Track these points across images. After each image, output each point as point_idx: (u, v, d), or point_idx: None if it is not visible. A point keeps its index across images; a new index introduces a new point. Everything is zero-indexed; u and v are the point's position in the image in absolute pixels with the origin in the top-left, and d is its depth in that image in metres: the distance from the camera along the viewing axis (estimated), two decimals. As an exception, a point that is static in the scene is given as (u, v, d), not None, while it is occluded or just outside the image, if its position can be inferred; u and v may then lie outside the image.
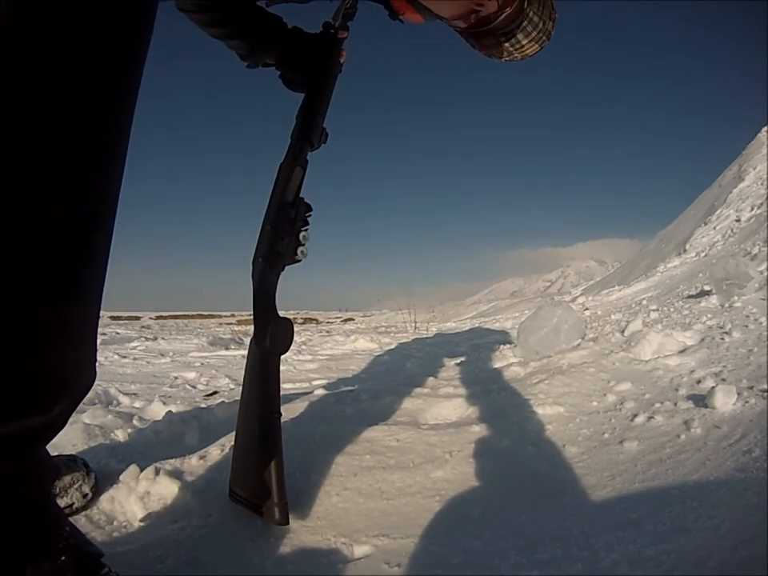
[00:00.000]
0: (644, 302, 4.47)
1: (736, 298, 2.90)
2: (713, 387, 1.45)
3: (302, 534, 1.12)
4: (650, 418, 1.47)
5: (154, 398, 2.37)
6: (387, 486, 1.30)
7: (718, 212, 9.07)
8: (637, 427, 1.45)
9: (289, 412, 1.78)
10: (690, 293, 3.99)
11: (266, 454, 1.10)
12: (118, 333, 7.89)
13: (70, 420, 0.80)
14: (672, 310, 3.22)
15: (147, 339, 5.99)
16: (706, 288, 3.61)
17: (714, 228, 8.35)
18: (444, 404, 1.90)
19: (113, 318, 27.60)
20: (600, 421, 1.57)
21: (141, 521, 1.16)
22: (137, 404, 2.45)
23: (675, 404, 1.53)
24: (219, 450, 1.43)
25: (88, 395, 0.83)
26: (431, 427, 1.63)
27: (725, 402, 1.39)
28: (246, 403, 1.18)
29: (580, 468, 1.30)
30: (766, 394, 1.41)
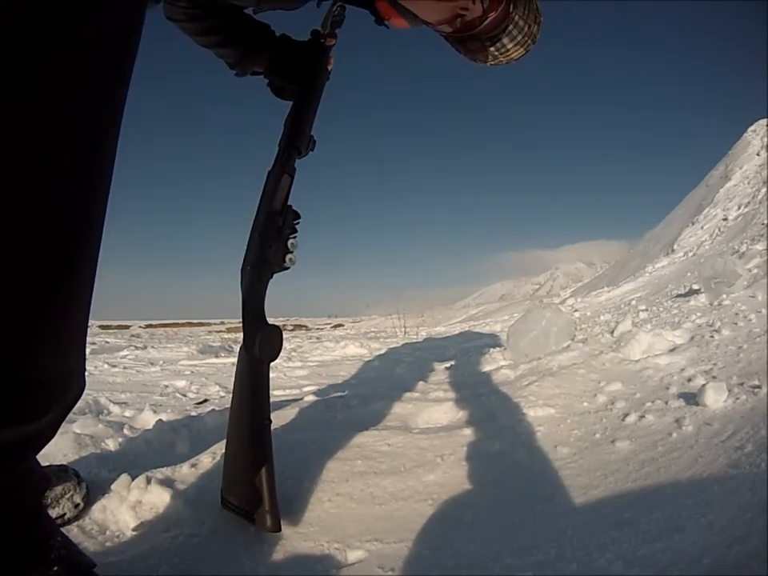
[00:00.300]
0: (633, 303, 4.50)
1: (725, 296, 2.92)
2: (703, 385, 1.46)
3: (294, 540, 1.11)
4: (641, 417, 1.47)
5: (145, 407, 2.35)
6: (379, 491, 1.29)
7: (705, 211, 9.16)
8: (628, 427, 1.46)
9: (279, 419, 1.78)
10: (679, 292, 4.02)
11: (257, 461, 1.09)
12: (107, 342, 7.82)
13: (60, 430, 0.79)
14: (661, 309, 3.24)
15: (137, 348, 5.94)
16: (695, 287, 3.64)
17: (702, 227, 8.43)
18: (434, 408, 1.90)
19: (102, 327, 27.38)
20: (591, 421, 1.57)
21: (133, 530, 1.15)
22: (127, 413, 2.43)
23: (666, 403, 1.53)
24: (210, 458, 1.42)
25: (78, 405, 0.82)
26: (422, 431, 1.62)
27: (715, 399, 1.40)
28: (236, 411, 1.17)
29: (572, 469, 1.30)
30: (756, 390, 1.42)
